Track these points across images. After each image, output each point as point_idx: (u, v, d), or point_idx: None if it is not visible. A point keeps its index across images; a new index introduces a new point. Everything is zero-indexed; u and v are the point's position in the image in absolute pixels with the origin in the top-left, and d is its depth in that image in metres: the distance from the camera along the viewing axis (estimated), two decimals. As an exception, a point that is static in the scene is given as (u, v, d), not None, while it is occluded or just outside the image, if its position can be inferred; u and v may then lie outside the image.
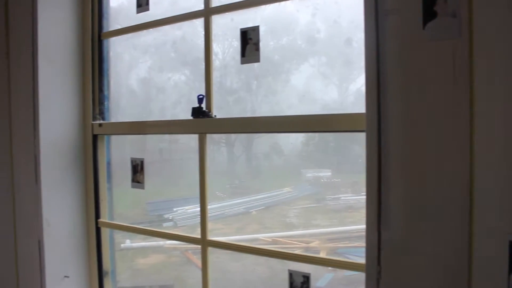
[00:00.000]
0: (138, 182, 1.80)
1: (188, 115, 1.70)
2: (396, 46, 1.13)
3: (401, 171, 1.13)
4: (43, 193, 1.82)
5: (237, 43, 1.87)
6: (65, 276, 1.93)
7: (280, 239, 3.91)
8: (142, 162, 1.79)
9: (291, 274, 1.52)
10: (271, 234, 4.10)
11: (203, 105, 1.67)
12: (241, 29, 1.59)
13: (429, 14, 1.07)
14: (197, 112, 1.67)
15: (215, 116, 1.66)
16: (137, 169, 1.80)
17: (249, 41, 1.59)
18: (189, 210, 4.11)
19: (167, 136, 2.32)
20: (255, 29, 1.57)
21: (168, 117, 1.90)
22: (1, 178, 1.91)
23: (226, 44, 2.03)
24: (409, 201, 1.12)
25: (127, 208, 2.84)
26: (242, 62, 1.60)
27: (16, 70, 1.88)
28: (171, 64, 2.31)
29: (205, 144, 1.68)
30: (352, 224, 4.21)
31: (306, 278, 1.50)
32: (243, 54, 1.59)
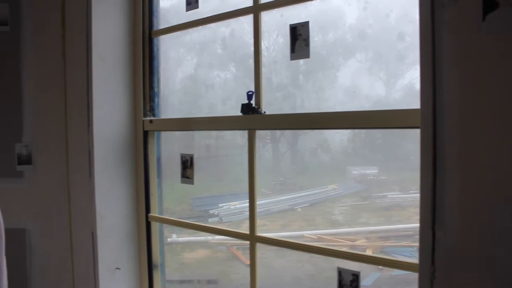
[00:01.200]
0: (188, 177, 1.83)
1: (237, 112, 1.71)
2: (453, 39, 1.08)
3: (457, 169, 1.09)
4: (97, 187, 1.87)
5: (282, 39, 1.87)
6: (117, 268, 1.99)
7: (325, 237, 3.87)
8: (191, 158, 1.82)
9: (340, 272, 1.50)
10: (316, 231, 4.08)
11: (253, 101, 1.68)
12: (290, 25, 1.58)
13: (489, 4, 1.02)
14: (246, 109, 1.67)
15: (264, 112, 1.66)
16: (187, 164, 1.83)
17: (298, 36, 1.58)
18: (233, 206, 4.15)
19: (213, 133, 2.34)
20: (305, 24, 1.56)
21: (217, 113, 1.92)
22: (57, 173, 1.98)
23: (271, 40, 2.03)
24: (466, 200, 1.08)
25: (173, 203, 2.89)
26: (292, 58, 1.59)
27: (72, 69, 1.95)
28: (219, 61, 2.33)
29: (254, 140, 1.69)
30: (399, 222, 4.12)
31: (356, 277, 1.48)
32: (292, 50, 1.58)
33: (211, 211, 4.05)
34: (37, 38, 1.98)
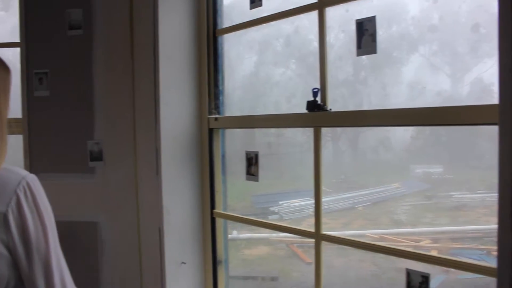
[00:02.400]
0: (253, 174, 1.84)
1: (301, 109, 1.70)
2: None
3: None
4: (163, 184, 1.92)
5: (345, 35, 1.83)
6: (183, 263, 2.03)
7: (388, 236, 3.79)
8: (256, 155, 1.83)
9: (409, 273, 1.46)
10: (378, 230, 4.00)
11: (318, 98, 1.66)
12: (356, 20, 1.55)
13: None
14: (312, 106, 1.66)
15: (330, 109, 1.64)
16: (252, 162, 1.84)
17: (365, 32, 1.54)
18: (294, 204, 4.16)
19: (273, 130, 2.33)
20: (371, 19, 1.52)
21: (280, 111, 1.91)
22: (126, 170, 2.05)
23: (332, 36, 1.99)
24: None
25: (233, 200, 2.92)
26: (358, 54, 1.56)
27: (139, 69, 2.01)
28: (281, 58, 2.33)
29: (320, 138, 1.67)
30: (466, 224, 3.95)
31: (425, 278, 1.42)
32: (359, 45, 1.55)
33: (271, 209, 4.08)
34: (108, 40, 2.05)
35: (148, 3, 1.94)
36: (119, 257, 2.10)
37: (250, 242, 4.02)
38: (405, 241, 3.84)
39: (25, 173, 1.24)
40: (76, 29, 2.07)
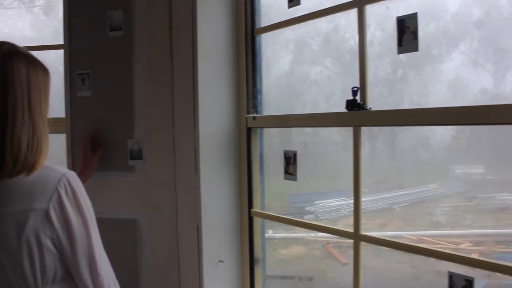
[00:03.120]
0: (291, 174, 1.83)
1: (340, 108, 1.68)
2: None
3: None
4: (202, 182, 1.94)
5: (381, 33, 1.80)
6: (220, 261, 2.04)
7: (426, 238, 3.70)
8: (295, 154, 1.82)
9: (451, 277, 1.42)
10: (416, 232, 3.91)
11: (358, 97, 1.64)
12: (397, 17, 1.52)
13: None
14: (351, 105, 1.64)
15: (370, 108, 1.62)
16: (290, 161, 1.83)
17: (406, 29, 1.51)
18: (330, 204, 4.12)
19: (308, 130, 2.32)
20: (413, 16, 1.49)
21: (319, 110, 1.90)
22: (165, 168, 2.07)
23: (371, 34, 1.97)
24: None
25: (269, 200, 2.91)
26: (399, 52, 1.53)
27: (178, 69, 2.03)
28: (319, 57, 2.31)
29: (359, 137, 1.65)
30: (509, 226, 3.81)
31: (469, 282, 1.38)
32: (399, 43, 1.52)
33: (307, 208, 4.06)
34: (147, 40, 2.08)
35: (187, 3, 1.96)
36: (158, 254, 2.13)
37: (285, 241, 4.00)
38: (444, 243, 3.74)
39: (65, 170, 1.28)
40: (116, 30, 2.11)
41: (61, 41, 2.46)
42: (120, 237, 2.12)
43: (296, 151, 1.84)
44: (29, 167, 1.20)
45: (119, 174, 2.11)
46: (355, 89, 1.64)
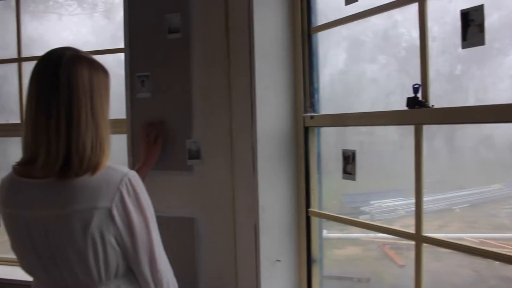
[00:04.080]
0: (350, 173, 1.81)
1: (399, 106, 1.64)
2: None
3: None
4: (259, 181, 1.94)
5: (441, 28, 1.73)
6: (277, 260, 2.04)
7: (489, 241, 3.53)
8: (353, 153, 1.79)
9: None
10: (478, 234, 3.73)
11: (419, 95, 1.59)
12: (461, 10, 1.46)
13: None
14: (412, 102, 1.59)
15: (432, 106, 1.57)
16: (349, 160, 1.81)
17: (471, 22, 1.45)
18: (386, 204, 4.03)
19: (364, 128, 2.27)
20: (479, 8, 1.43)
21: (378, 108, 1.86)
22: (223, 167, 2.09)
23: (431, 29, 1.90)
24: None
25: (324, 199, 2.89)
26: (464, 47, 1.47)
27: (235, 69, 2.04)
28: (376, 54, 2.26)
29: (421, 135, 1.60)
30: None
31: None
32: (464, 37, 1.46)
33: (362, 208, 3.99)
34: (204, 42, 2.11)
35: (243, 3, 1.97)
36: (215, 253, 2.16)
37: (340, 242, 3.95)
38: (509, 246, 3.57)
39: (127, 170, 1.33)
40: (174, 32, 2.16)
41: (119, 45, 2.55)
42: (178, 235, 2.16)
43: (355, 150, 1.82)
44: (93, 167, 1.26)
45: (178, 173, 2.15)
46: (416, 86, 1.60)
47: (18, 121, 2.88)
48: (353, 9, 1.87)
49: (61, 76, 1.23)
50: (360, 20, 1.89)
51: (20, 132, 2.81)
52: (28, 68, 2.85)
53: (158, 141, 2.13)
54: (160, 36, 2.18)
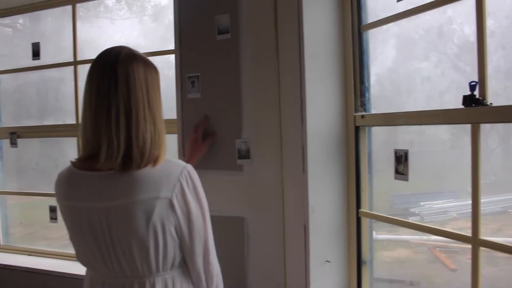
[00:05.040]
0: (402, 173, 1.77)
1: (454, 105, 1.59)
2: None
3: None
4: (309, 181, 1.93)
5: (493, 22, 1.66)
6: (327, 261, 2.02)
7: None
8: (406, 153, 1.75)
9: None
10: (536, 239, 3.57)
11: (476, 92, 1.54)
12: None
13: None
14: (469, 100, 1.54)
15: (491, 103, 1.51)
16: (401, 160, 1.77)
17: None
18: (436, 205, 3.91)
19: (413, 128, 2.22)
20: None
21: (432, 106, 1.81)
22: (272, 167, 2.10)
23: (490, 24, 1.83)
24: None
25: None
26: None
27: (285, 69, 2.04)
28: (428, 52, 2.21)
29: (478, 135, 1.55)
30: None
31: None
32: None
33: (411, 209, 3.88)
34: (254, 42, 2.13)
35: (292, 2, 1.97)
36: (264, 252, 2.17)
37: (388, 243, 3.86)
38: None
39: (184, 163, 1.38)
40: (224, 33, 2.18)
41: (167, 47, 2.61)
42: (228, 234, 2.18)
43: (407, 150, 1.78)
44: (154, 159, 1.31)
45: (228, 173, 2.18)
46: (473, 83, 1.54)
47: (74, 121, 3.00)
48: (404, 5, 1.84)
49: (119, 73, 1.28)
50: (411, 17, 1.85)
51: (76, 132, 2.94)
52: (83, 70, 2.97)
53: (207, 140, 2.16)
54: (209, 37, 2.21)
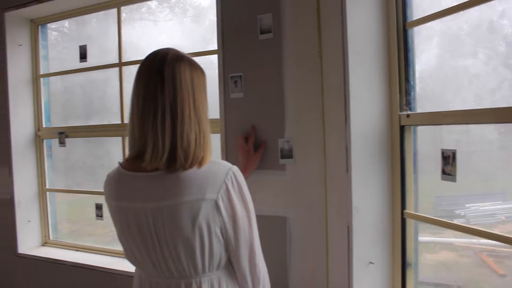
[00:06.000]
0: (449, 174, 1.72)
1: (508, 103, 1.53)
2: None
3: None
4: (353, 181, 1.90)
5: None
6: (370, 262, 1.99)
7: None
8: (454, 153, 1.70)
9: None
10: None
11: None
12: None
13: None
14: (523, 98, 1.48)
15: (548, 101, 1.45)
16: (448, 160, 1.72)
17: None
18: (483, 208, 3.77)
19: (458, 127, 2.15)
20: None
21: (482, 105, 1.75)
22: (315, 167, 2.09)
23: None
24: None
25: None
26: None
27: (328, 68, 2.03)
28: (476, 48, 2.13)
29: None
30: None
31: None
32: None
33: (456, 211, 3.75)
34: (296, 41, 2.12)
35: (336, 2, 1.95)
36: (307, 252, 2.15)
37: (432, 246, 3.76)
38: None
39: (230, 165, 1.37)
40: (266, 33, 2.18)
41: (207, 47, 2.63)
42: (269, 234, 2.18)
43: (455, 150, 1.72)
44: (200, 160, 1.32)
45: (270, 172, 2.18)
46: (528, 80, 1.48)
47: (118, 121, 3.07)
48: (451, 1, 1.78)
49: (165, 73, 1.30)
50: (459, 12, 1.80)
51: (120, 132, 3.01)
52: (127, 72, 3.03)
53: (259, 150, 2.17)
54: (252, 37, 2.22)
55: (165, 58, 1.33)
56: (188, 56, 1.40)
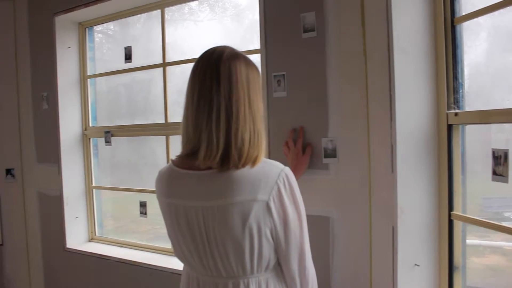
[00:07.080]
0: (501, 175, 1.65)
1: None
2: None
3: None
4: (398, 182, 1.86)
5: None
6: (416, 265, 1.95)
7: None
8: (506, 153, 1.64)
9: None
10: None
11: None
12: None
13: None
14: None
15: None
16: (500, 160, 1.66)
17: None
18: (533, 210, 3.61)
19: (507, 126, 2.07)
20: None
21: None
22: (359, 166, 2.06)
23: None
24: None
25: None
26: None
27: (373, 67, 2.00)
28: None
29: None
30: None
31: None
32: None
33: (506, 214, 3.61)
34: (340, 40, 2.10)
35: (381, -1, 1.92)
36: (350, 253, 2.13)
37: (480, 249, 3.63)
38: None
39: (282, 165, 1.36)
40: (309, 31, 2.17)
41: (248, 47, 2.64)
42: (312, 233, 2.15)
43: (507, 150, 1.66)
44: (253, 160, 1.31)
45: (314, 172, 2.17)
46: None
47: (162, 121, 3.13)
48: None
49: (221, 71, 1.30)
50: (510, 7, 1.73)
51: (164, 131, 3.06)
52: (170, 72, 3.08)
53: (307, 152, 2.16)
54: (295, 36, 2.22)
55: (221, 55, 1.33)
56: (244, 54, 1.40)
